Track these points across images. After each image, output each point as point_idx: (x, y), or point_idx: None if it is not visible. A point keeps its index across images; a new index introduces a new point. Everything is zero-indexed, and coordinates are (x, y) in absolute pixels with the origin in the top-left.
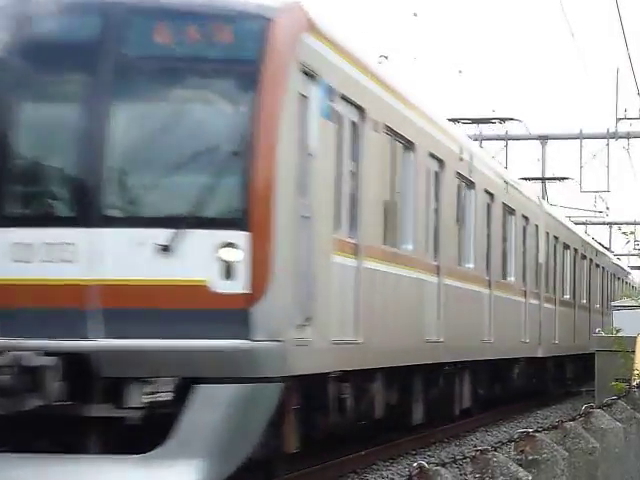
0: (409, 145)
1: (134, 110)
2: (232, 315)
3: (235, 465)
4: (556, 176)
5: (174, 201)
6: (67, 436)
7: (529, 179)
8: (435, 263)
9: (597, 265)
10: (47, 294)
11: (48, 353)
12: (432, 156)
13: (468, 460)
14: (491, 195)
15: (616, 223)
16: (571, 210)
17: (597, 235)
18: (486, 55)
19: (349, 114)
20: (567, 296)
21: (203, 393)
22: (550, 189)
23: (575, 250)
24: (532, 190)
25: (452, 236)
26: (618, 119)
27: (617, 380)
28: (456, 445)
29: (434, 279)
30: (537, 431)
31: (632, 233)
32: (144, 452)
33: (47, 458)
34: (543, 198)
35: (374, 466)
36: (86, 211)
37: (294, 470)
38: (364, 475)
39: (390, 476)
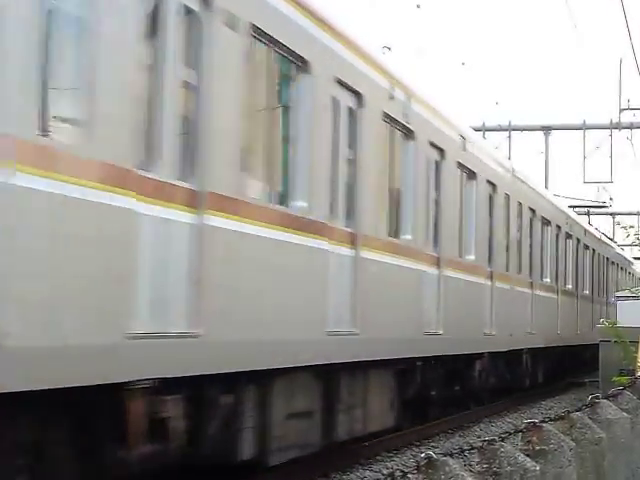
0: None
1: None
2: None
3: None
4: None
5: None
6: None
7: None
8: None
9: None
10: None
11: None
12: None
13: (475, 450)
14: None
15: (619, 214)
16: (574, 200)
17: (600, 225)
18: (489, 47)
19: None
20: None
21: None
22: (552, 179)
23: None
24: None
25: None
26: (621, 109)
27: (621, 371)
28: (460, 436)
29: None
30: (544, 421)
31: (632, 227)
32: None
33: None
34: (546, 187)
35: (378, 457)
36: None
37: (297, 461)
38: (368, 466)
39: (394, 467)
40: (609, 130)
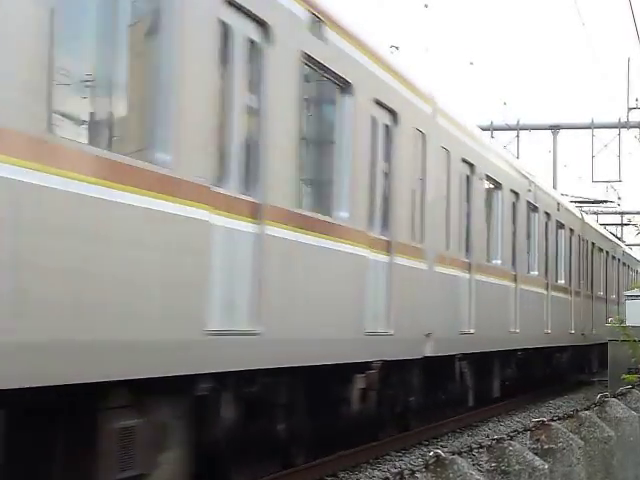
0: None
1: None
2: None
3: None
4: None
5: None
6: None
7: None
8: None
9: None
10: None
11: None
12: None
13: (484, 449)
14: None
15: (628, 213)
16: (582, 199)
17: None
18: (497, 46)
19: None
20: None
21: None
22: (561, 178)
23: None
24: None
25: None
26: (630, 109)
27: (630, 370)
28: (469, 435)
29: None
30: (552, 420)
31: None
32: None
33: None
34: (554, 187)
35: (387, 456)
36: None
37: (307, 460)
38: (376, 465)
39: (403, 466)
40: (617, 129)
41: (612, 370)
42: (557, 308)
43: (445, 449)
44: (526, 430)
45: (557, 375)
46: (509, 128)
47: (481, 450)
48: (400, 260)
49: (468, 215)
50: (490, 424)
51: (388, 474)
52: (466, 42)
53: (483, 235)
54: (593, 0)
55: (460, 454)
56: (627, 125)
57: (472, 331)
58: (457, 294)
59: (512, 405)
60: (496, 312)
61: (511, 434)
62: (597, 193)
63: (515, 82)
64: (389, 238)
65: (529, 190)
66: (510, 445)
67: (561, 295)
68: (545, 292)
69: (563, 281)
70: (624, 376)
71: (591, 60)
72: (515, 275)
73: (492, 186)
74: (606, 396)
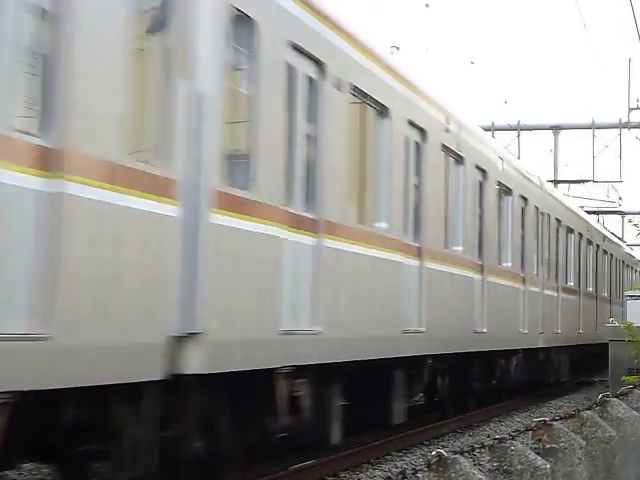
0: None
1: None
2: None
3: None
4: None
5: None
6: None
7: None
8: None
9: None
10: None
11: None
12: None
13: (486, 449)
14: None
15: (629, 213)
16: (584, 200)
17: (610, 225)
18: (498, 46)
19: None
20: None
21: None
22: (562, 178)
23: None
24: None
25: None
26: (630, 109)
27: (630, 371)
28: (470, 435)
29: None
30: (554, 420)
31: None
32: None
33: None
34: (555, 187)
35: (387, 456)
36: None
37: (307, 460)
38: (378, 465)
39: (404, 466)
40: (618, 129)
41: (613, 370)
42: (499, 299)
43: (447, 449)
44: (528, 430)
45: (507, 386)
46: (510, 128)
47: (483, 450)
48: (78, 189)
49: (317, 147)
50: (491, 424)
51: (389, 474)
52: (467, 41)
53: (354, 183)
54: (594, 0)
55: (462, 454)
56: (628, 125)
57: (318, 329)
58: (286, 271)
59: (513, 405)
60: (380, 302)
61: (513, 434)
62: (598, 194)
63: (516, 82)
64: (54, 144)
65: (447, 130)
66: (512, 445)
67: (506, 283)
68: (478, 277)
69: (510, 264)
70: (624, 377)
71: (592, 60)
72: (419, 249)
73: (372, 109)
74: (607, 396)
